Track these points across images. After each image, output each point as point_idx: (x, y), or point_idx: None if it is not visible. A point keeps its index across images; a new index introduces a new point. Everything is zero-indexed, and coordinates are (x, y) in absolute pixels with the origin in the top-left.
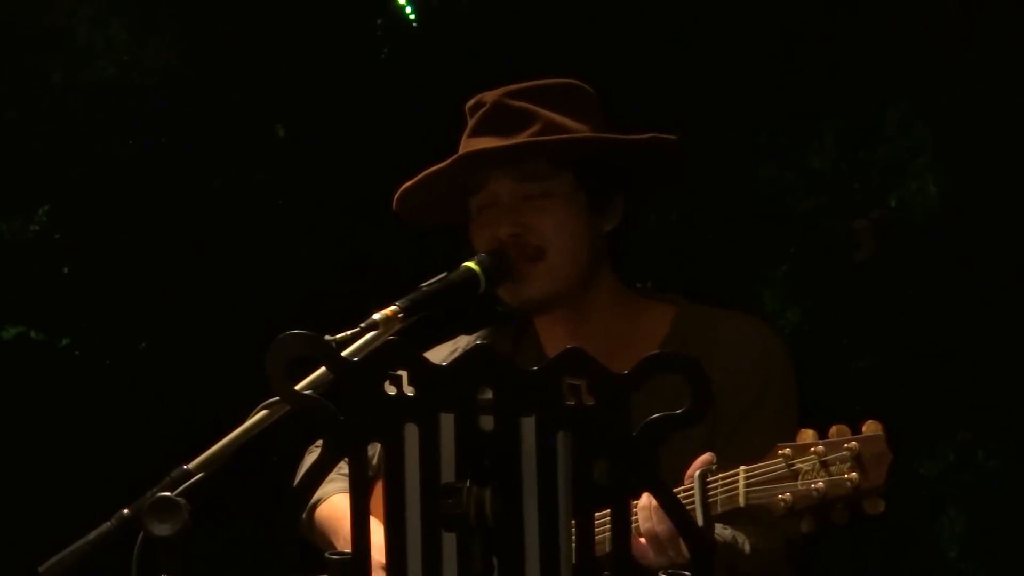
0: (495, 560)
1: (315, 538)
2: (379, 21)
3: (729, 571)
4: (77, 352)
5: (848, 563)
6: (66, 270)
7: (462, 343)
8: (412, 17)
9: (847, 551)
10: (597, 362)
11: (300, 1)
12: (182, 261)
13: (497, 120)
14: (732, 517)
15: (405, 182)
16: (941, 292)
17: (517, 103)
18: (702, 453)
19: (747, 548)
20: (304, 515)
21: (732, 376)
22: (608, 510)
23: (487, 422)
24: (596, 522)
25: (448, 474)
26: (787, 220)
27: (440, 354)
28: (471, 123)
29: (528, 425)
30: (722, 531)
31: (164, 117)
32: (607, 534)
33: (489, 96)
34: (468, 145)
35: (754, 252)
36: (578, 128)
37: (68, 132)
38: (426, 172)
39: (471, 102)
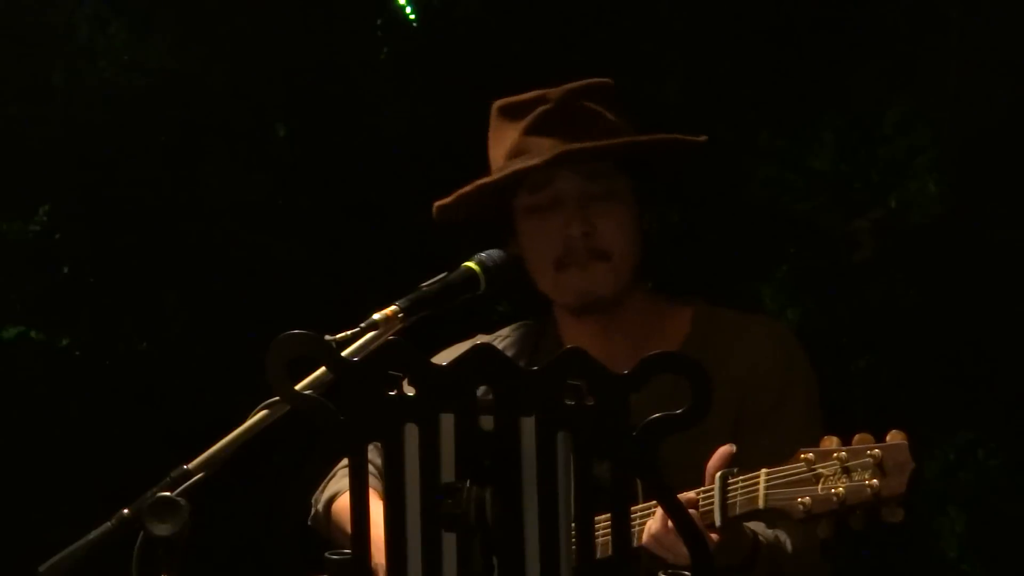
0: (495, 560)
1: (333, 532)
2: (379, 21)
3: (772, 571)
4: (77, 352)
5: (848, 563)
6: (66, 270)
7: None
8: (412, 17)
9: (847, 551)
10: (597, 362)
11: (300, 1)
12: (182, 261)
13: (562, 119)
14: (763, 519)
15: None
16: (941, 292)
17: (582, 103)
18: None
19: (789, 547)
20: (321, 510)
21: (754, 377)
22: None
23: (487, 422)
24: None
25: (448, 474)
26: (787, 220)
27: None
28: (531, 119)
29: (528, 425)
30: (765, 531)
31: (164, 117)
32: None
33: (553, 93)
34: (531, 143)
35: (754, 252)
36: (627, 127)
37: (68, 132)
38: (514, 169)
39: (513, 100)
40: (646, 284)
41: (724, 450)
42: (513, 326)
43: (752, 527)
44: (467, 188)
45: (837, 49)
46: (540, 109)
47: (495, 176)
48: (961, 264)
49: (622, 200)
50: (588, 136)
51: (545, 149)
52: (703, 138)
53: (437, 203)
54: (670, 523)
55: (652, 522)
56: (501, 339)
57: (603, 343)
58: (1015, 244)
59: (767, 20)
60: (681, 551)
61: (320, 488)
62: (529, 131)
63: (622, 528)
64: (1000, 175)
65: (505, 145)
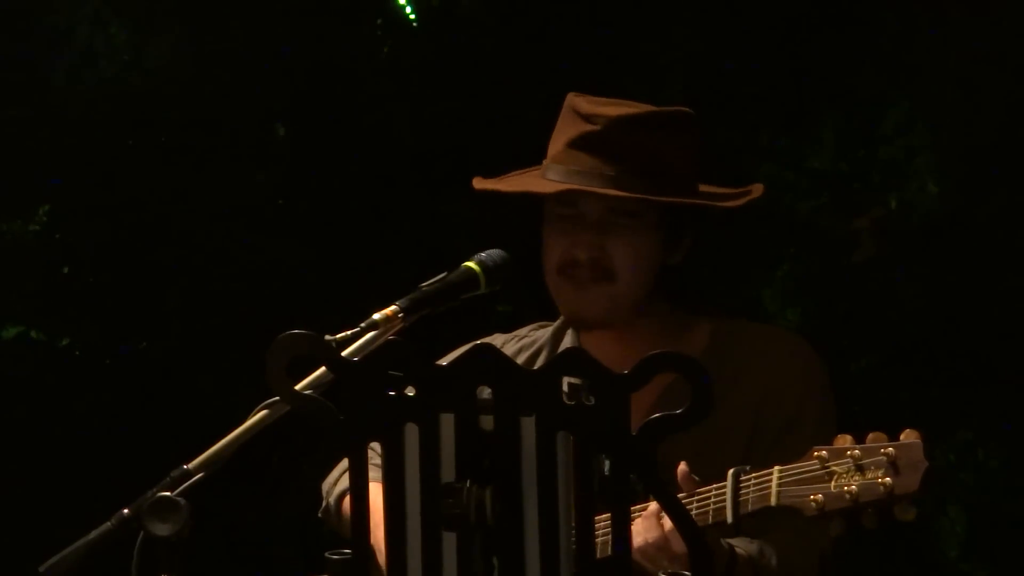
0: (495, 560)
1: (344, 527)
2: (379, 21)
3: None
4: (77, 352)
5: (847, 563)
6: (66, 270)
7: (498, 341)
8: (412, 17)
9: (846, 551)
10: (597, 362)
11: (300, 1)
12: (182, 261)
13: (608, 143)
14: (772, 525)
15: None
16: (941, 292)
17: (634, 133)
18: (738, 465)
19: (774, 562)
20: (332, 503)
21: (770, 392)
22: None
23: (487, 422)
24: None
25: (448, 474)
26: (787, 220)
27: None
28: (576, 133)
29: (528, 425)
30: (747, 545)
31: (164, 117)
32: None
33: (608, 113)
34: (571, 156)
35: (754, 252)
36: (679, 167)
37: (68, 132)
38: (524, 189)
39: (579, 105)
40: (664, 303)
41: (681, 470)
42: (532, 326)
43: (732, 541)
44: (501, 187)
45: (837, 49)
46: (587, 129)
47: (513, 188)
48: (961, 264)
49: (645, 226)
50: (624, 168)
51: (578, 170)
52: (741, 202)
53: (479, 183)
54: (649, 536)
55: (635, 536)
56: (518, 339)
57: (619, 358)
58: (1015, 244)
59: (767, 20)
60: (661, 563)
61: (332, 481)
62: (573, 144)
63: (622, 528)
64: (1000, 175)
65: (558, 142)
